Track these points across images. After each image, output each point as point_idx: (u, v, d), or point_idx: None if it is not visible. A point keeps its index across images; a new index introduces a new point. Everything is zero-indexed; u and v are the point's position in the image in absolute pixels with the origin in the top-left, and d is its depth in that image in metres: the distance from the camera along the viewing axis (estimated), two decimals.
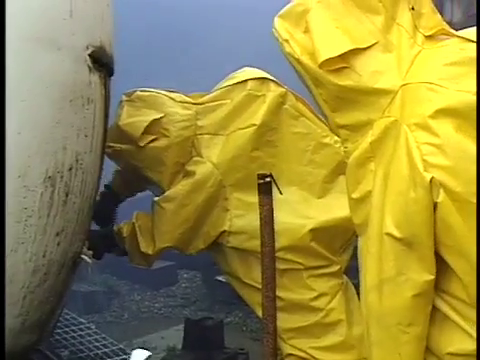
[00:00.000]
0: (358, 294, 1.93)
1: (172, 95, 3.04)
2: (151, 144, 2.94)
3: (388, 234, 1.63)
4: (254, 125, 2.87)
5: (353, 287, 2.89)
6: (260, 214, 2.45)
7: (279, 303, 2.57)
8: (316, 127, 2.93)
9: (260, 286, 2.53)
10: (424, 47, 1.74)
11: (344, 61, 1.71)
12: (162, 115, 2.94)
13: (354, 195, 1.77)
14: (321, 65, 1.72)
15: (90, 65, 2.19)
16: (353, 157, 1.76)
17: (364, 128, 1.73)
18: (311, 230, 2.78)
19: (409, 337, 1.65)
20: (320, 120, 2.91)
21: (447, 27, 1.79)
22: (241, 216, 2.87)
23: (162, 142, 2.93)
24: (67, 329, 3.71)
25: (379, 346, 1.73)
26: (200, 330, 3.94)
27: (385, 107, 1.68)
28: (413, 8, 1.75)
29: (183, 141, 2.94)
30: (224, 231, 2.91)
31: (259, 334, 3.77)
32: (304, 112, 2.95)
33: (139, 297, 6.78)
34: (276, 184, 2.49)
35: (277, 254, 2.53)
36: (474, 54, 1.58)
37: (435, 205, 1.56)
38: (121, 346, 3.50)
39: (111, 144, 2.88)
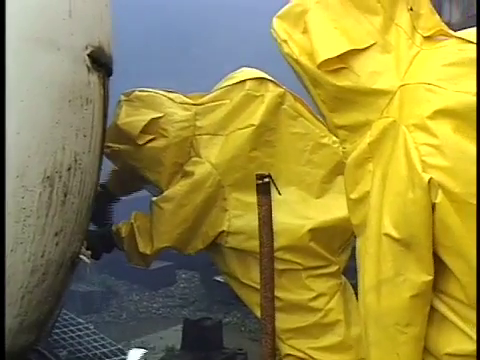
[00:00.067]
0: (356, 294, 1.93)
1: (171, 96, 3.04)
2: (149, 144, 2.93)
3: (386, 235, 1.63)
4: (252, 125, 2.87)
5: (351, 287, 2.89)
6: (259, 214, 2.44)
7: (278, 303, 2.57)
8: (314, 127, 2.93)
9: (258, 286, 2.53)
10: (422, 48, 1.74)
11: (342, 62, 1.70)
12: (161, 115, 2.94)
13: (352, 195, 1.77)
14: (319, 66, 1.72)
15: (89, 65, 2.19)
16: (351, 158, 1.76)
17: (362, 129, 1.72)
18: (310, 230, 2.78)
19: (407, 337, 1.65)
20: (318, 120, 2.91)
21: (446, 28, 1.79)
22: (240, 216, 2.87)
23: (160, 142, 2.93)
24: (65, 329, 3.71)
25: (377, 346, 1.73)
26: (199, 330, 3.92)
27: (383, 108, 1.68)
28: (411, 9, 1.75)
29: (181, 141, 2.94)
30: (223, 231, 2.90)
31: (258, 334, 3.77)
32: (302, 112, 2.95)
33: (137, 297, 6.78)
34: (275, 184, 2.48)
35: (276, 254, 2.53)
36: (473, 55, 1.58)
37: (433, 206, 1.56)
38: (119, 346, 3.50)
39: (109, 144, 2.88)
